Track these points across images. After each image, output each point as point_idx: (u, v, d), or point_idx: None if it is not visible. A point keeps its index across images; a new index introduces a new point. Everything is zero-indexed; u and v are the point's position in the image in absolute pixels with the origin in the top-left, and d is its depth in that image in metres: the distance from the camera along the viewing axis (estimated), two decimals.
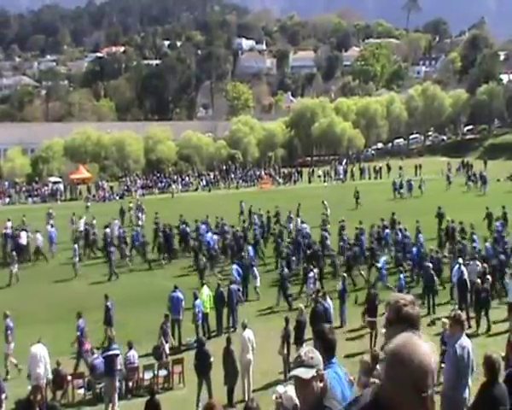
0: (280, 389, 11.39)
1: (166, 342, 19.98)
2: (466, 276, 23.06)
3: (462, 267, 23.45)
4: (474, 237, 30.02)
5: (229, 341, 17.31)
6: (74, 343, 20.15)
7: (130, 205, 46.93)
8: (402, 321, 4.30)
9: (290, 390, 9.55)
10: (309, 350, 4.23)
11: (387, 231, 32.70)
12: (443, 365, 9.14)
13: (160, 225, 36.30)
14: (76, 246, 33.51)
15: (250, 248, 31.00)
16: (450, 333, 9.40)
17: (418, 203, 47.01)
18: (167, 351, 19.89)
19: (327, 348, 5.11)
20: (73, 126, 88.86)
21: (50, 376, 18.06)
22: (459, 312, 9.74)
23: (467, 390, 8.25)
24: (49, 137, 78.52)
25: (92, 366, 18.33)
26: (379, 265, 27.21)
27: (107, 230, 36.12)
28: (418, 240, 30.14)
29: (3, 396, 16.51)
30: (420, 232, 31.29)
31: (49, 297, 29.17)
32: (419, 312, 4.40)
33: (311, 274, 25.80)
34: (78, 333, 20.17)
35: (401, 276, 25.28)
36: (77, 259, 32.82)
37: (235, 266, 27.42)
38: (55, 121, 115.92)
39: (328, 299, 21.41)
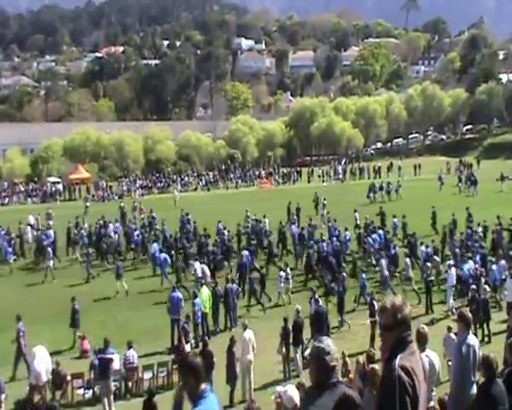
0: (280, 389, 11.43)
1: (187, 342, 19.80)
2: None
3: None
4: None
5: (232, 341, 17.28)
6: (14, 342, 19.95)
7: (135, 205, 47.25)
8: (399, 324, 4.32)
9: (290, 390, 9.58)
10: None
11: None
12: (450, 363, 9.15)
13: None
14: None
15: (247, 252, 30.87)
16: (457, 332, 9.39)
17: (394, 206, 45.53)
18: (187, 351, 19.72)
19: (198, 377, 5.01)
20: (73, 126, 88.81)
21: (50, 376, 18.09)
22: (464, 310, 9.73)
23: (474, 389, 8.25)
24: (49, 138, 78.48)
25: (92, 365, 18.35)
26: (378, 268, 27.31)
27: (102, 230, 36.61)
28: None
29: (3, 396, 16.49)
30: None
31: (50, 297, 29.17)
32: (411, 311, 4.44)
33: (282, 273, 26.29)
34: (21, 334, 19.99)
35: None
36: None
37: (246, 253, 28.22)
38: (55, 121, 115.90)
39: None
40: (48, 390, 18.20)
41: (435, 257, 27.16)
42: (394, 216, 36.54)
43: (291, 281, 27.01)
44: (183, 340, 19.63)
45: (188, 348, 19.59)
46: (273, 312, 25.03)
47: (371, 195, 51.15)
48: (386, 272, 25.82)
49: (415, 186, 57.37)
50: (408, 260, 26.74)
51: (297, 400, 9.07)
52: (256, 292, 26.09)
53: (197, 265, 27.96)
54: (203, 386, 5.06)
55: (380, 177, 68.60)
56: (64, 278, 31.92)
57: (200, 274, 27.20)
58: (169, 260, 30.09)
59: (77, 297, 28.33)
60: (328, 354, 4.51)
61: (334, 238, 32.17)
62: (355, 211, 38.82)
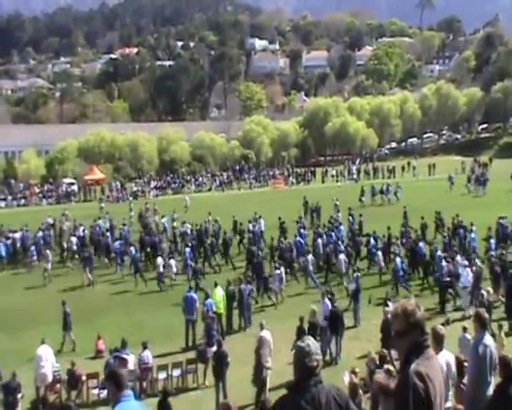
0: None
1: (211, 345, 19.34)
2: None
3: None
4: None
5: (260, 342, 17.15)
6: None
7: (147, 206, 47.28)
8: (413, 329, 4.27)
9: None
10: None
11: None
12: (466, 363, 9.10)
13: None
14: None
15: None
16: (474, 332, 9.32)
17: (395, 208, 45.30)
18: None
19: (118, 385, 5.54)
20: (87, 128, 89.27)
21: (60, 375, 18.24)
22: (481, 310, 9.65)
23: (490, 389, 8.18)
24: (64, 139, 78.89)
25: (107, 365, 18.40)
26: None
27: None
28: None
29: (20, 396, 16.60)
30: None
31: (66, 298, 29.28)
32: (425, 315, 4.39)
33: (278, 271, 26.37)
34: None
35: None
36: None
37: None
38: (69, 123, 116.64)
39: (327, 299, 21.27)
40: (63, 390, 18.32)
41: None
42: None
43: (284, 280, 27.05)
44: (208, 343, 19.39)
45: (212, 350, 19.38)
46: (286, 312, 24.93)
47: (363, 198, 49.37)
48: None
49: (427, 186, 57.10)
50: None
51: None
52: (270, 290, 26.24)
53: None
54: (124, 392, 5.61)
55: (394, 177, 68.52)
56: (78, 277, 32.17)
57: None
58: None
59: (93, 297, 28.71)
60: (308, 355, 4.48)
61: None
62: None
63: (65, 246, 35.99)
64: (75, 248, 35.14)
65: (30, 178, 72.34)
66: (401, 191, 50.81)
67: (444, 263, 25.27)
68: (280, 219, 37.42)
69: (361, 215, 38.23)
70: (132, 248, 32.06)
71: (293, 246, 31.55)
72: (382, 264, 28.70)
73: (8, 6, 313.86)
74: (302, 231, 34.57)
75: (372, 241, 30.93)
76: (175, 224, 39.45)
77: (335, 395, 4.45)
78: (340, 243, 31.61)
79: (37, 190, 66.82)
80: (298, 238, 32.56)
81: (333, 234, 33.25)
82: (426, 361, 4.20)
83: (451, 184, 54.68)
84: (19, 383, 16.88)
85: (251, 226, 36.81)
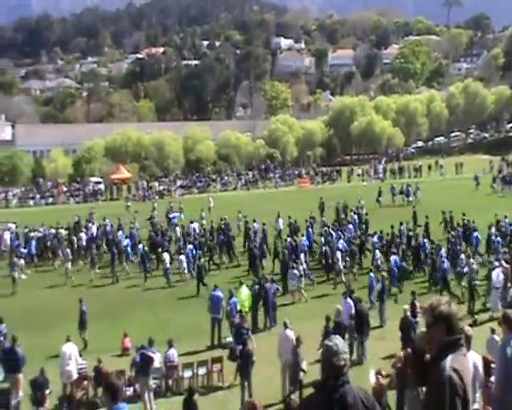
0: None
1: (241, 344, 18.92)
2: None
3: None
4: None
5: (298, 341, 17.07)
6: None
7: (171, 205, 47.50)
8: (438, 321, 4.30)
9: None
10: None
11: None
12: (493, 365, 9.02)
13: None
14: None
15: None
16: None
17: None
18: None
19: (113, 397, 6.00)
20: (114, 127, 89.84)
21: (87, 371, 18.43)
22: (509, 311, 9.56)
23: None
24: (91, 138, 79.56)
25: (133, 362, 18.55)
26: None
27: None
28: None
29: (47, 391, 16.78)
30: None
31: (93, 295, 29.57)
32: (455, 310, 4.39)
33: (295, 271, 26.34)
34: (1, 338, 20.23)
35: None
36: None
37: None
38: (96, 122, 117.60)
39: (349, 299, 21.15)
40: (90, 387, 18.48)
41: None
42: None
43: (303, 279, 27.05)
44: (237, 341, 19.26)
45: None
46: (311, 312, 24.89)
47: (380, 199, 48.79)
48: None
49: (454, 185, 56.51)
50: None
51: None
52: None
53: None
54: (118, 405, 6.10)
55: (420, 176, 68.11)
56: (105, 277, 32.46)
57: None
58: None
59: (118, 295, 28.91)
60: (336, 355, 4.46)
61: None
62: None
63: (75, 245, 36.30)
64: (84, 244, 35.61)
65: (58, 176, 73.17)
66: (420, 192, 49.70)
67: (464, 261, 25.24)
68: (289, 218, 37.69)
69: (367, 214, 38.77)
70: (140, 246, 33.01)
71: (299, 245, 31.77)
72: (378, 262, 28.60)
73: (37, 7, 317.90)
74: (310, 230, 34.82)
75: (375, 239, 31.36)
76: (204, 222, 39.73)
77: (363, 398, 4.44)
78: (341, 241, 31.65)
79: (65, 189, 67.50)
80: (304, 238, 32.92)
81: (333, 233, 33.25)
82: (460, 359, 4.21)
83: (477, 184, 53.78)
84: (47, 379, 17.07)
85: (256, 225, 36.88)
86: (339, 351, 4.47)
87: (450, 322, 4.31)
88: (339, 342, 4.57)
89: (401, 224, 33.91)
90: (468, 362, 4.36)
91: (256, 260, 30.88)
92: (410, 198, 49.33)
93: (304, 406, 4.67)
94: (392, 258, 27.33)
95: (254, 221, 37.21)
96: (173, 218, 42.70)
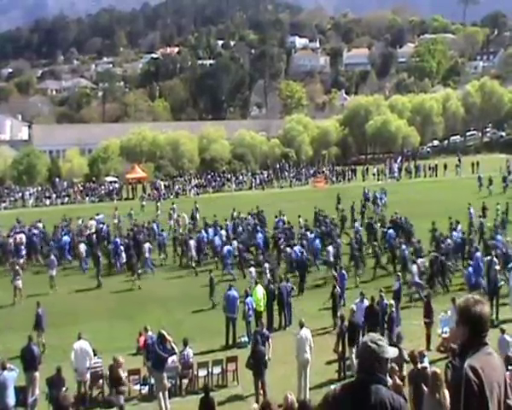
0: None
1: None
2: None
3: None
4: None
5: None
6: None
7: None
8: (465, 321, 4.28)
9: None
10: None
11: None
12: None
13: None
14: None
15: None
16: None
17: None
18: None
19: None
20: (129, 127, 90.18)
21: (102, 370, 18.53)
22: None
23: None
24: (106, 138, 79.93)
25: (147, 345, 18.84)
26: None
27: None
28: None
29: (64, 390, 16.84)
30: None
31: (107, 295, 29.71)
32: (487, 311, 4.34)
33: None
34: None
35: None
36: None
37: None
38: (112, 122, 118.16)
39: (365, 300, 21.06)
40: (105, 385, 18.54)
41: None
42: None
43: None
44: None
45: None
46: (327, 311, 24.82)
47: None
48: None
49: (469, 184, 55.84)
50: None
51: None
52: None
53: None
54: None
55: (436, 175, 67.81)
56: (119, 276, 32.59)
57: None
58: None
59: (133, 295, 28.99)
60: (374, 354, 4.41)
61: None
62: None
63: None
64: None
65: (73, 176, 73.66)
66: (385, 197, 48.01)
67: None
68: (289, 222, 37.86)
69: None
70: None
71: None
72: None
73: (54, 8, 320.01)
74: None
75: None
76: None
77: (390, 398, 4.38)
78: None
79: (81, 189, 67.83)
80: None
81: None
82: (483, 357, 4.17)
83: (480, 185, 52.99)
84: (63, 378, 17.15)
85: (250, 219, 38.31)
86: (377, 350, 4.42)
87: (476, 322, 4.27)
88: (379, 340, 4.51)
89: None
90: (494, 361, 4.29)
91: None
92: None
93: (332, 398, 4.59)
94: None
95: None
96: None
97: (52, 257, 31.75)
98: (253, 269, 27.70)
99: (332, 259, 29.70)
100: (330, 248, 30.23)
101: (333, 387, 4.56)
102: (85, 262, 33.78)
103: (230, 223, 38.55)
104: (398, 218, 35.90)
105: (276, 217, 39.43)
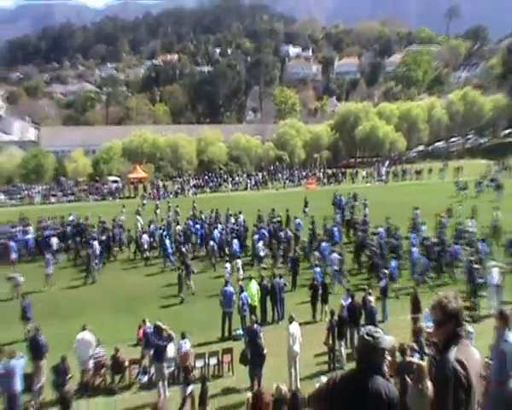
0: (324, 378, 11.36)
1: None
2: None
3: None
4: None
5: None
6: None
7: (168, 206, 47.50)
8: (449, 319, 4.30)
9: None
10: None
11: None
12: (490, 361, 9.04)
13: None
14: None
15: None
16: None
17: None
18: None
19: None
20: (131, 129, 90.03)
21: (104, 360, 18.59)
22: (503, 308, 9.66)
23: None
24: (109, 139, 79.84)
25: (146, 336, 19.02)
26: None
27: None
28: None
29: (68, 377, 16.88)
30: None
31: (110, 289, 29.70)
32: (462, 306, 4.39)
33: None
34: None
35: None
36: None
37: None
38: (115, 124, 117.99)
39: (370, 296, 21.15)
40: (107, 374, 18.58)
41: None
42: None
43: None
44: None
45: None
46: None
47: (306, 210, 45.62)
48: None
49: (449, 188, 56.07)
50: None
51: None
52: None
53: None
54: None
55: (422, 179, 68.12)
56: (123, 271, 32.56)
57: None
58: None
59: (134, 289, 28.97)
60: (373, 346, 4.46)
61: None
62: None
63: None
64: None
65: (78, 175, 73.56)
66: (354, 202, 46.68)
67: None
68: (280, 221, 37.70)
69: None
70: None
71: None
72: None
73: (60, 17, 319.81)
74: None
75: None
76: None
77: (386, 389, 4.43)
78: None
79: (85, 187, 67.74)
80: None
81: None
82: (464, 349, 4.22)
83: (458, 189, 52.82)
84: (68, 366, 17.22)
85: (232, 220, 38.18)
86: (375, 343, 4.47)
87: (459, 318, 4.32)
88: (376, 333, 4.55)
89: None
90: (473, 352, 4.36)
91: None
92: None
93: (331, 385, 4.63)
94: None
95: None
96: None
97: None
98: (228, 265, 28.04)
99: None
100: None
101: (322, 377, 4.62)
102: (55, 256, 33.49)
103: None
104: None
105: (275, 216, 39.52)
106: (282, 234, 33.41)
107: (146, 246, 34.60)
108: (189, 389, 15.60)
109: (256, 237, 32.81)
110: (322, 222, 36.48)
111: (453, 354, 4.15)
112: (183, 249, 32.40)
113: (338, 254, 28.68)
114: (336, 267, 27.48)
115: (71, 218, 42.12)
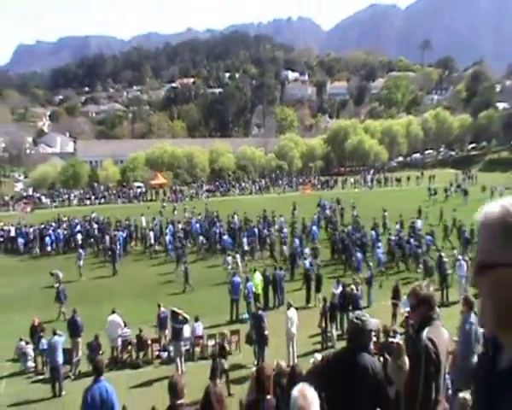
0: (318, 356, 11.39)
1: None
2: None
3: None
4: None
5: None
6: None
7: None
8: (422, 303, 4.37)
9: None
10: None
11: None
12: (457, 339, 9.10)
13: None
14: None
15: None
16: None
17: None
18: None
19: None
20: (153, 142, 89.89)
21: (130, 338, 18.65)
22: (468, 295, 9.79)
23: (475, 358, 8.27)
24: (134, 151, 79.80)
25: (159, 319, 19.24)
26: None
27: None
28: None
29: (100, 352, 16.98)
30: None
31: (133, 278, 29.78)
32: (433, 292, 4.47)
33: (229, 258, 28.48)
34: None
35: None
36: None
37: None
38: (139, 138, 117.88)
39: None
40: (133, 351, 18.64)
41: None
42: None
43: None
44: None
45: None
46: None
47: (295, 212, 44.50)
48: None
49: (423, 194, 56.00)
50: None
51: None
52: None
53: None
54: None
55: (401, 185, 68.15)
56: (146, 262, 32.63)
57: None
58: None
59: (155, 278, 29.02)
60: (361, 328, 4.50)
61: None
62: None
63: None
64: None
65: (108, 182, 73.62)
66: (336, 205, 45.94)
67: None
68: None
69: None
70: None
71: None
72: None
73: (95, 47, 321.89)
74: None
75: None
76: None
77: (372, 364, 4.49)
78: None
79: (114, 192, 67.92)
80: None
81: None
82: (435, 329, 4.28)
83: (430, 194, 52.87)
84: (100, 343, 17.35)
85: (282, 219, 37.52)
86: (364, 326, 4.52)
87: (430, 303, 4.38)
88: (364, 317, 4.60)
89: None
90: (444, 333, 4.42)
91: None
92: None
93: (327, 360, 4.69)
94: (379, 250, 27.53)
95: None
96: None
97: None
98: (230, 258, 28.06)
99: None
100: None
101: (317, 354, 4.65)
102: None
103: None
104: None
105: (274, 217, 39.54)
106: (266, 232, 33.75)
107: (153, 241, 34.59)
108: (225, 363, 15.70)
109: (243, 234, 33.36)
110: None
111: (425, 333, 4.21)
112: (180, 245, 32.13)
113: (310, 248, 29.01)
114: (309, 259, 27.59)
115: (93, 215, 42.28)
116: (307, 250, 28.53)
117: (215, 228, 34.91)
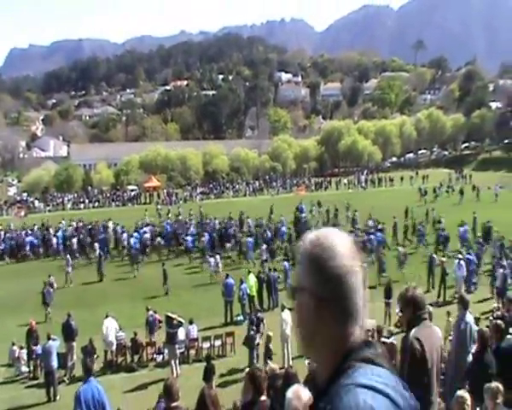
0: None
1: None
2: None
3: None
4: None
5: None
6: None
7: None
8: (407, 305, 4.45)
9: None
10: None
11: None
12: (450, 337, 9.19)
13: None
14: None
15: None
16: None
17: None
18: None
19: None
20: (147, 145, 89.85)
21: (125, 342, 18.65)
22: (463, 294, 9.91)
23: (469, 357, 8.35)
24: (128, 154, 79.71)
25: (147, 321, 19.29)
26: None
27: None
28: None
29: (95, 356, 16.97)
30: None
31: (122, 283, 29.72)
32: (421, 293, 4.57)
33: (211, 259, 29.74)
34: None
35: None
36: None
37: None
38: (133, 141, 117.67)
39: None
40: (128, 354, 18.62)
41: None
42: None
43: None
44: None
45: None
46: None
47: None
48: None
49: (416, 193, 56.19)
50: None
51: None
52: None
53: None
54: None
55: (394, 185, 68.31)
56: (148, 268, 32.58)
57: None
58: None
59: (149, 280, 28.93)
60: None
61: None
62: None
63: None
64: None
65: (102, 185, 73.48)
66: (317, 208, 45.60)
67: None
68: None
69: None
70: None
71: None
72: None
73: (88, 51, 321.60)
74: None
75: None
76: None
77: None
78: None
79: (108, 195, 67.77)
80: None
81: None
82: (424, 329, 4.36)
83: (421, 195, 52.98)
84: (94, 347, 17.32)
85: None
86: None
87: (417, 304, 4.46)
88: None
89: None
90: (433, 332, 4.51)
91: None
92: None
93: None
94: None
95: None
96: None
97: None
98: (212, 259, 28.17)
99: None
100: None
101: None
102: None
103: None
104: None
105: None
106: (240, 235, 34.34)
107: (125, 244, 34.32)
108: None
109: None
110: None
111: (412, 333, 4.30)
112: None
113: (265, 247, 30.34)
114: (264, 257, 28.92)
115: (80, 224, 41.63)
116: (263, 247, 30.52)
117: (230, 230, 35.43)
